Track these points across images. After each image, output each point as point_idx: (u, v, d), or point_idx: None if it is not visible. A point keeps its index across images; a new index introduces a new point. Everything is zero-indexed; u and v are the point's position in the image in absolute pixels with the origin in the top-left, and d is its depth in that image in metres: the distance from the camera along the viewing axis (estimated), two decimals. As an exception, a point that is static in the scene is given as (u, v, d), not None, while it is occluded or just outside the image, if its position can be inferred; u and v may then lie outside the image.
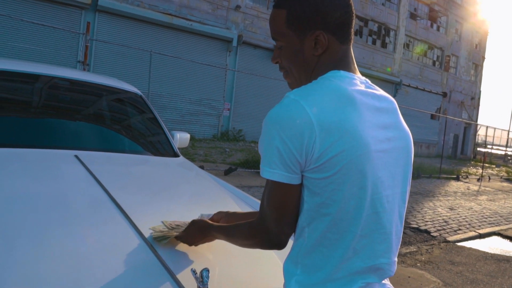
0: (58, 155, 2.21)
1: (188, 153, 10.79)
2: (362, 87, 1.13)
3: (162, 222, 1.59)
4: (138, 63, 13.63)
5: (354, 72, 1.17)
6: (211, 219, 1.56)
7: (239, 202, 2.22)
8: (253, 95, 17.39)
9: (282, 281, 1.12)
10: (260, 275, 1.49)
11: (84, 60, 7.54)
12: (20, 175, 1.91)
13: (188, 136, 3.32)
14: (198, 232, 1.41)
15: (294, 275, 1.08)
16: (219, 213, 1.57)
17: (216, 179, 2.69)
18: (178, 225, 1.58)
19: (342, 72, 1.14)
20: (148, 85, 9.08)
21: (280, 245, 1.11)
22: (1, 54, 11.81)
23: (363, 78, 1.19)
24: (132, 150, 2.69)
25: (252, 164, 9.53)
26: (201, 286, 1.18)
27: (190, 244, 1.45)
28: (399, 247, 1.19)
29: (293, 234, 1.12)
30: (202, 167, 8.29)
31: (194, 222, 1.46)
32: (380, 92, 1.19)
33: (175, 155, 2.85)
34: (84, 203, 1.70)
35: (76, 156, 2.19)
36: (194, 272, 1.19)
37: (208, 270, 1.19)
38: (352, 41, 1.19)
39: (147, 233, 1.49)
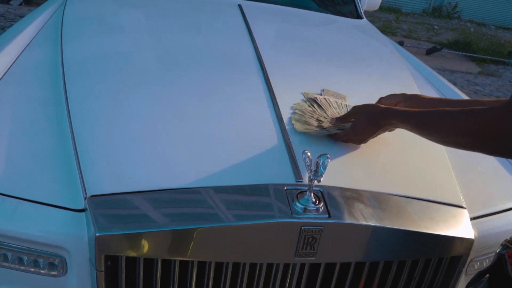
0: (220, 1, 1.98)
1: (390, 26, 9.82)
2: None
3: (302, 94, 1.24)
4: None
5: None
6: (380, 103, 1.15)
7: (424, 85, 1.72)
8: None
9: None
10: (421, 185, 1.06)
11: None
12: (178, 16, 1.78)
13: (380, -3, 2.75)
14: (370, 122, 1.02)
15: None
16: (393, 96, 1.14)
17: (406, 54, 2.17)
18: (325, 102, 1.21)
19: None
20: None
21: None
22: None
23: None
24: (305, 4, 2.28)
25: (463, 46, 8.17)
26: (312, 177, 0.83)
27: (359, 142, 1.08)
28: None
29: None
30: (401, 43, 7.43)
31: (362, 109, 1.05)
32: None
33: (358, 16, 2.36)
34: (226, 59, 1.44)
35: (239, 6, 1.92)
36: (307, 156, 0.84)
37: (328, 157, 0.83)
38: None
39: (284, 106, 1.17)
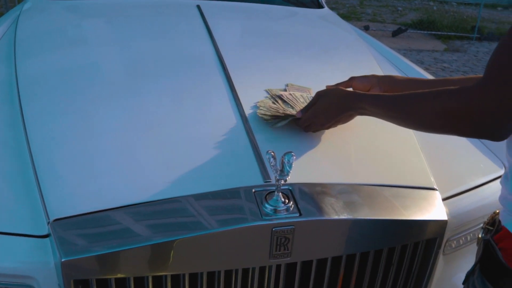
0: (178, 3, 1.95)
1: (355, 11, 9.88)
2: None
3: (266, 91, 1.22)
4: None
5: None
6: (352, 83, 1.15)
7: (390, 69, 1.72)
8: None
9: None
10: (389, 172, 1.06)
11: None
12: (136, 22, 1.75)
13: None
14: (334, 106, 0.99)
15: None
16: (366, 78, 1.14)
17: (369, 39, 2.18)
18: (291, 97, 1.20)
19: None
20: None
21: (500, 135, 0.71)
22: None
23: None
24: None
25: (427, 25, 8.28)
26: (278, 177, 0.82)
27: (320, 125, 1.04)
28: None
29: None
30: (367, 27, 7.48)
31: (325, 93, 1.03)
32: None
33: (319, 6, 2.36)
34: (187, 63, 1.42)
35: (198, 7, 1.89)
36: (272, 156, 0.82)
37: (292, 155, 0.82)
38: None
39: (247, 106, 1.16)
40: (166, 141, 1.03)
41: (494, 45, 7.59)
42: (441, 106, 0.76)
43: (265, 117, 1.08)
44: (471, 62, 6.38)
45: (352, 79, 1.16)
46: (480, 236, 0.87)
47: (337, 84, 1.20)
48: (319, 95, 1.05)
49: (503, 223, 0.80)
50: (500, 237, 0.79)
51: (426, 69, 5.30)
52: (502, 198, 0.83)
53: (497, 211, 0.86)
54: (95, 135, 1.05)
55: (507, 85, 0.68)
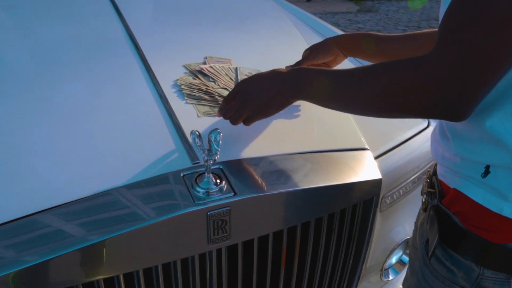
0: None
1: (267, -20, 9.82)
2: None
3: (184, 66, 1.15)
4: None
5: None
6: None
7: (308, 33, 1.70)
8: None
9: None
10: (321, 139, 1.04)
11: None
12: (35, 3, 1.58)
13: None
14: (266, 83, 0.84)
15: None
16: (321, 46, 1.07)
17: (285, 5, 2.14)
18: (212, 70, 1.14)
19: None
20: None
21: (460, 115, 0.59)
22: None
23: None
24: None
25: (339, -13, 8.44)
26: (207, 157, 0.77)
27: (247, 120, 0.87)
28: None
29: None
30: (281, -5, 7.49)
31: (252, 78, 0.86)
32: None
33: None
34: (94, 47, 1.30)
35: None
36: (197, 135, 0.76)
37: (219, 132, 0.76)
38: None
39: (166, 85, 1.08)
40: (85, 132, 0.94)
41: (402, 4, 7.91)
42: (394, 81, 0.63)
43: (199, 107, 1.01)
44: (383, 21, 6.60)
45: (307, 56, 1.05)
46: (424, 200, 0.84)
47: (296, 63, 1.09)
48: (242, 81, 0.89)
49: (452, 185, 0.75)
50: (450, 200, 0.75)
51: (343, 31, 5.41)
52: (440, 158, 0.77)
53: (430, 170, 0.85)
54: (4, 133, 0.93)
55: (470, 46, 0.56)
